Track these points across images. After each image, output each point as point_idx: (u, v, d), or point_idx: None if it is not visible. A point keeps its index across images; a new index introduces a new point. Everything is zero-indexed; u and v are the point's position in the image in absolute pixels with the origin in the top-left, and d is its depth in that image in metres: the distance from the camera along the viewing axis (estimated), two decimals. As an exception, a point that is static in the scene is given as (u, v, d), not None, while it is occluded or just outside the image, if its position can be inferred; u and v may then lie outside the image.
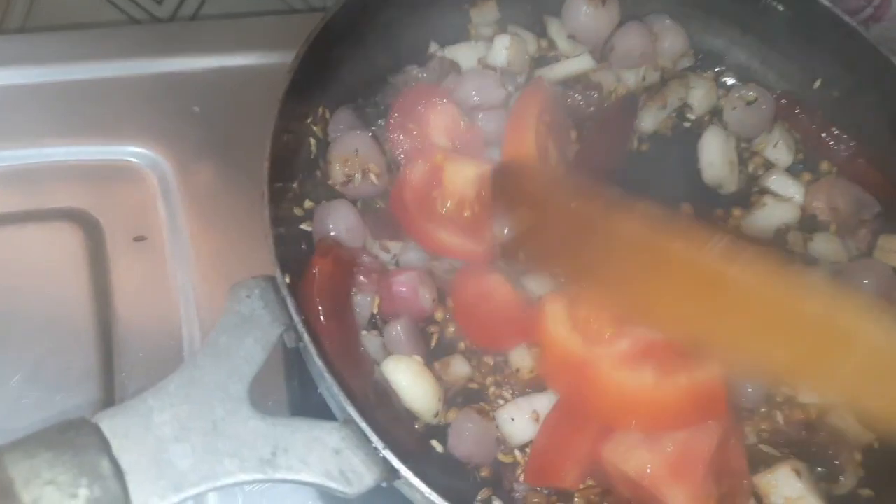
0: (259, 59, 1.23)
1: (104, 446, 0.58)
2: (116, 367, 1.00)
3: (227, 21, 1.29)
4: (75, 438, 0.57)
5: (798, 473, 0.85)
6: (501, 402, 0.91)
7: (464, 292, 0.92)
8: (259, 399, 0.71)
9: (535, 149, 0.98)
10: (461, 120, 1.00)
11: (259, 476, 0.63)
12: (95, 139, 1.13)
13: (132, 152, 1.14)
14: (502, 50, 1.06)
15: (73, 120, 1.14)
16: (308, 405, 0.83)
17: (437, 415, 0.89)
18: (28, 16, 1.26)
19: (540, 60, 1.11)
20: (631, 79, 1.11)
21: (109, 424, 0.61)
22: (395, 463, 0.68)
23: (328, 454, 0.66)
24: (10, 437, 0.73)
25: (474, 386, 0.92)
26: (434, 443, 0.89)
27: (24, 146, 1.11)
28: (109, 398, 0.98)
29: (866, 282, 0.99)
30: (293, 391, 0.91)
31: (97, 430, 0.60)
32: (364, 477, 0.66)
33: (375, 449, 0.68)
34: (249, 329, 0.69)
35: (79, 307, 1.03)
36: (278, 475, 0.64)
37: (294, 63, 0.88)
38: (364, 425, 0.68)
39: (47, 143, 1.12)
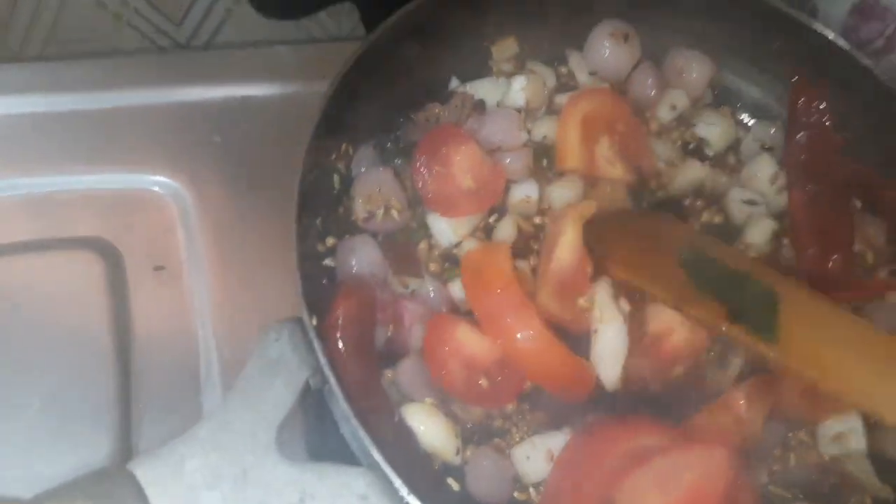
0: (279, 89, 1.25)
1: (141, 497, 0.60)
2: (134, 396, 1.02)
3: (248, 50, 1.30)
4: (113, 489, 0.59)
5: (810, 518, 0.86)
6: (517, 438, 0.93)
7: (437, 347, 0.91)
8: (282, 442, 0.73)
9: (581, 160, 1.03)
10: (485, 161, 1.02)
11: (288, 524, 0.65)
12: (116, 167, 1.15)
13: (153, 181, 1.15)
14: (519, 91, 1.08)
15: (93, 148, 1.15)
16: (325, 448, 0.84)
17: (457, 452, 0.90)
18: (46, 43, 1.27)
19: (561, 88, 1.13)
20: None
21: (143, 472, 0.62)
22: (420, 508, 0.70)
23: (354, 501, 0.67)
24: (27, 467, 0.74)
25: (496, 424, 0.94)
26: (450, 481, 0.90)
27: (45, 174, 1.13)
28: (125, 429, 0.99)
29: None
30: (311, 433, 0.92)
31: (133, 480, 0.61)
32: (390, 523, 0.67)
33: (399, 495, 0.70)
34: (278, 372, 0.71)
35: (98, 336, 1.04)
36: (306, 522, 0.65)
37: (326, 98, 0.90)
38: (389, 471, 0.69)
39: (68, 172, 1.14)
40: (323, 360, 0.74)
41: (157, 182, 1.15)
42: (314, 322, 0.77)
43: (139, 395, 1.02)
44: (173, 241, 1.12)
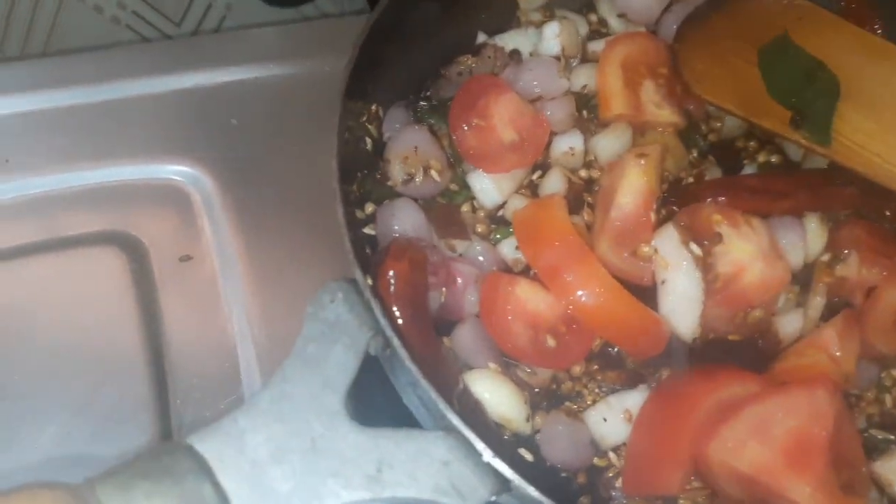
0: (293, 68, 1.19)
1: (204, 471, 0.53)
2: (171, 393, 0.96)
3: (258, 30, 1.25)
4: (172, 465, 0.52)
5: (920, 458, 0.79)
6: (590, 401, 0.86)
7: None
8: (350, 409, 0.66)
9: (627, 105, 0.97)
10: (526, 109, 0.95)
11: (366, 495, 0.57)
12: (132, 159, 1.10)
13: (171, 170, 1.10)
14: (553, 38, 1.01)
15: (107, 141, 1.10)
16: (386, 418, 0.77)
17: (528, 419, 0.83)
18: (49, 41, 1.22)
19: (593, 35, 1.07)
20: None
21: (202, 448, 0.55)
22: (507, 472, 0.62)
23: (436, 467, 0.60)
24: (63, 469, 0.68)
25: (565, 388, 0.87)
26: (522, 451, 0.83)
27: (62, 171, 1.07)
28: (166, 426, 0.94)
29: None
30: (369, 403, 0.85)
31: (194, 454, 0.54)
32: (478, 489, 0.60)
33: (484, 459, 0.62)
34: (338, 336, 0.64)
35: (127, 333, 0.99)
36: (386, 493, 0.58)
37: (350, 62, 0.84)
38: (469, 433, 0.62)
39: (84, 167, 1.08)
40: (383, 321, 0.67)
41: (176, 171, 1.09)
42: (369, 282, 0.70)
43: (176, 391, 0.95)
44: (198, 230, 1.06)
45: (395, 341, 0.67)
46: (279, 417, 0.58)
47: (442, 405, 0.64)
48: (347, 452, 0.58)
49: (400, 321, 0.75)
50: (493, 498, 0.64)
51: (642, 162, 0.89)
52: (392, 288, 0.76)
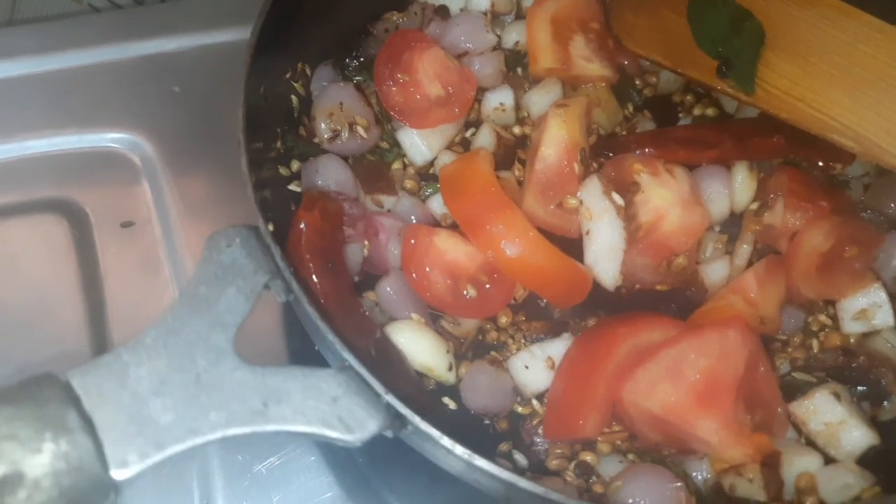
0: (235, 35, 1.18)
1: (71, 399, 0.53)
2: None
3: (193, 1, 1.25)
4: (37, 392, 0.52)
5: (837, 396, 0.79)
6: (515, 350, 0.86)
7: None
8: (254, 360, 0.67)
9: (555, 59, 0.97)
10: (452, 64, 0.95)
11: (249, 429, 0.58)
12: (76, 128, 1.10)
13: (114, 138, 1.10)
14: (483, -7, 1.01)
15: (51, 111, 1.10)
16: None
17: (451, 368, 0.84)
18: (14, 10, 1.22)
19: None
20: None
21: (81, 381, 0.56)
22: (400, 407, 0.63)
23: (325, 402, 0.60)
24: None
25: (490, 338, 0.88)
26: (446, 399, 0.84)
27: (4, 140, 1.08)
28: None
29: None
30: (293, 354, 0.86)
31: (64, 385, 0.55)
32: (366, 423, 0.61)
33: (377, 395, 0.63)
34: (231, 279, 0.64)
35: (69, 299, 0.99)
36: (270, 427, 0.58)
37: (260, 14, 0.84)
38: (363, 370, 0.63)
39: (27, 136, 1.09)
40: (282, 265, 0.68)
41: (119, 138, 1.09)
42: (270, 227, 0.70)
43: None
44: (139, 196, 1.06)
45: (294, 285, 0.67)
46: (165, 353, 0.59)
47: (338, 344, 0.64)
48: (233, 388, 0.59)
49: (313, 273, 0.76)
50: (391, 433, 0.65)
51: (561, 112, 0.89)
52: (302, 237, 0.77)
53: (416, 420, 0.63)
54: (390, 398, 0.63)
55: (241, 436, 0.58)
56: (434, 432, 0.63)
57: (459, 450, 0.62)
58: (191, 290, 0.63)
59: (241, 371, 0.60)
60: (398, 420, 0.64)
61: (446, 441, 0.63)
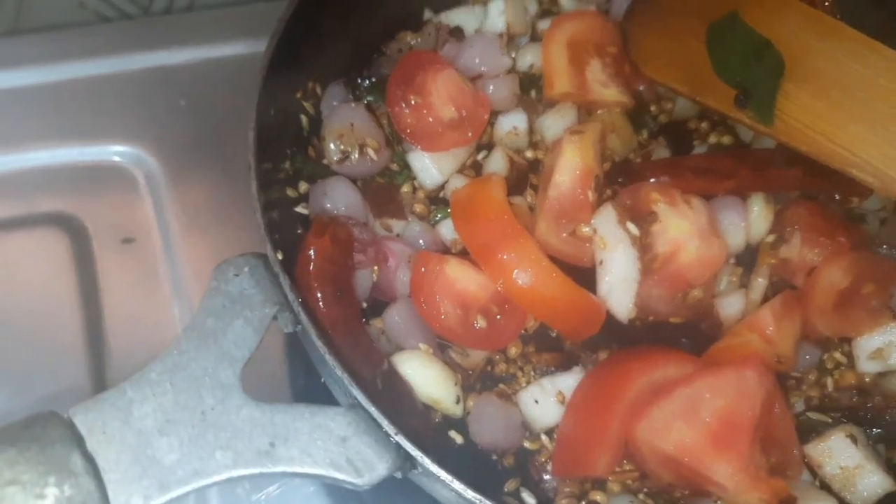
0: (245, 49, 1.17)
1: (75, 440, 0.51)
2: (109, 375, 0.94)
3: (209, 12, 1.23)
4: (41, 433, 0.50)
5: (854, 439, 0.77)
6: (524, 383, 0.84)
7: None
8: (257, 391, 0.65)
9: (571, 84, 0.95)
10: (466, 86, 0.93)
11: (257, 470, 0.56)
12: (79, 140, 1.08)
13: (117, 151, 1.08)
14: (498, 15, 1.00)
15: (54, 122, 1.08)
16: (312, 398, 0.76)
17: (458, 401, 0.82)
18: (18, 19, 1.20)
19: (544, 14, 1.05)
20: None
21: (85, 419, 0.54)
22: (410, 448, 0.61)
23: (334, 443, 0.58)
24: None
25: (499, 370, 0.86)
26: (453, 433, 0.82)
27: (6, 152, 1.06)
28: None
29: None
30: (297, 385, 0.84)
31: (68, 424, 0.53)
32: (376, 466, 0.59)
33: (387, 435, 0.61)
34: (239, 310, 0.62)
35: (67, 316, 0.97)
36: (278, 468, 0.56)
37: (275, 34, 0.82)
38: (373, 409, 0.61)
39: (29, 148, 1.07)
40: (291, 295, 0.66)
41: (122, 152, 1.08)
42: (279, 256, 0.68)
43: (113, 376, 0.94)
44: (141, 211, 1.04)
45: (303, 317, 0.65)
46: (170, 389, 0.57)
47: (347, 380, 0.62)
48: (240, 426, 0.57)
49: (319, 298, 0.74)
50: (400, 475, 0.63)
51: (576, 139, 0.87)
52: (312, 264, 0.75)
53: (427, 462, 0.61)
54: (400, 438, 0.61)
55: (247, 476, 0.56)
56: (445, 475, 0.61)
57: (470, 494, 0.60)
58: (197, 323, 0.61)
59: (248, 408, 0.58)
60: (408, 461, 0.62)
61: (457, 485, 0.60)
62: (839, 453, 0.77)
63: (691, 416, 0.74)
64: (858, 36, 0.92)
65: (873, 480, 0.75)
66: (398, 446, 0.61)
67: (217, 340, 0.60)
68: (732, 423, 0.73)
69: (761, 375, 0.76)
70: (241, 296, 0.63)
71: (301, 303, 0.66)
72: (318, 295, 0.74)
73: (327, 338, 0.67)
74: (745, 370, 0.75)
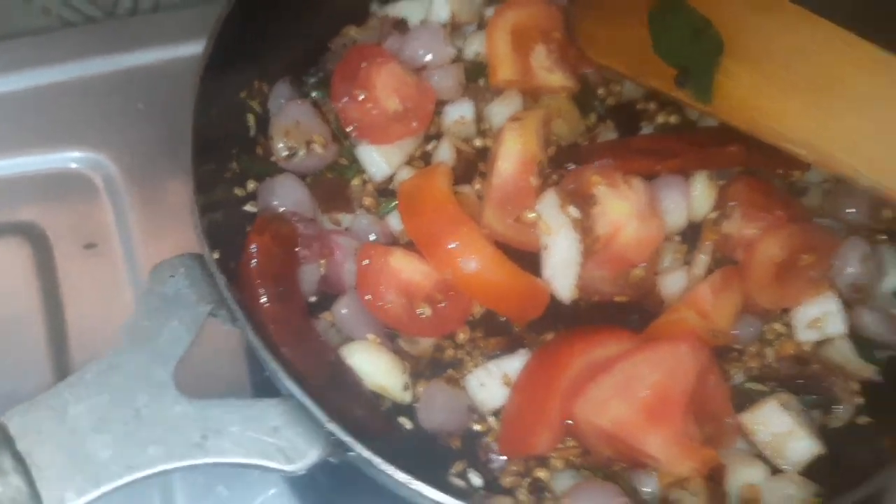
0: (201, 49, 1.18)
1: (6, 442, 0.54)
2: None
3: (164, 14, 1.24)
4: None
5: (785, 406, 0.79)
6: (472, 367, 0.86)
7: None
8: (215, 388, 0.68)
9: (515, 71, 0.97)
10: (409, 78, 0.95)
11: (187, 463, 0.59)
12: (37, 148, 1.09)
13: (76, 157, 1.09)
14: (443, 5, 1.01)
15: (11, 131, 1.09)
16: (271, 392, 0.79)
17: (406, 388, 0.84)
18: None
19: (492, 2, 1.05)
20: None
21: (21, 422, 0.57)
22: (342, 435, 0.63)
23: (265, 433, 0.61)
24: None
25: (448, 356, 0.88)
26: (402, 419, 0.84)
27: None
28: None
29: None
30: (255, 380, 0.87)
31: (1, 428, 0.55)
32: (307, 453, 0.61)
33: (318, 423, 0.63)
34: (174, 310, 0.65)
35: (30, 321, 0.98)
36: (210, 460, 0.59)
37: (212, 34, 0.84)
38: (305, 398, 0.63)
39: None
40: (226, 292, 0.68)
41: (80, 158, 1.09)
42: (215, 255, 0.71)
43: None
44: (102, 216, 1.06)
45: (239, 313, 0.68)
46: (105, 389, 0.60)
47: (280, 372, 0.64)
48: (172, 422, 0.59)
49: (262, 294, 0.76)
50: (334, 460, 0.65)
51: (516, 125, 0.89)
52: (254, 262, 0.77)
53: (358, 446, 0.63)
54: (332, 426, 0.63)
55: (180, 469, 0.58)
56: (375, 458, 0.63)
57: (401, 476, 0.63)
58: (132, 324, 0.63)
59: (181, 405, 0.61)
60: (341, 447, 0.64)
61: (386, 466, 0.63)
62: (771, 420, 0.79)
63: (627, 392, 0.77)
64: (796, 9, 0.94)
65: (802, 445, 0.78)
66: (330, 433, 0.63)
67: (151, 340, 0.63)
68: (665, 397, 0.76)
69: (695, 350, 0.78)
70: (177, 296, 0.66)
71: (238, 300, 0.69)
72: (261, 291, 0.76)
73: (265, 332, 0.70)
74: (679, 345, 0.78)
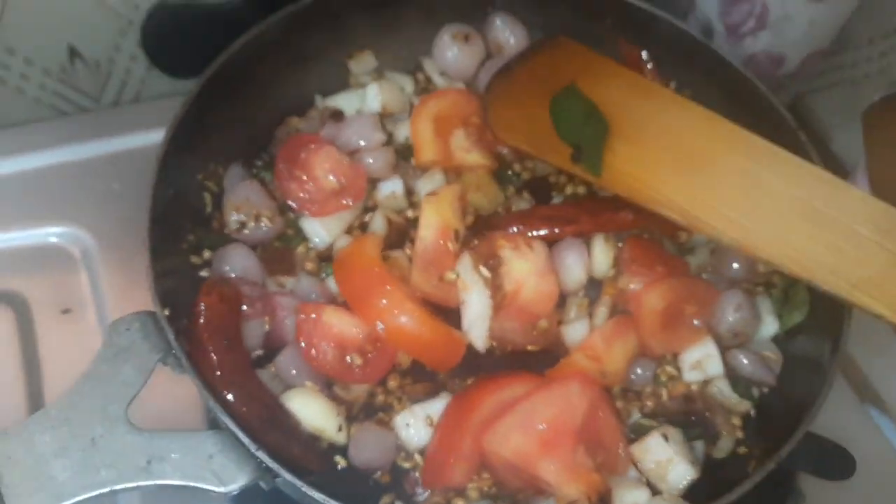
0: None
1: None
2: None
3: (144, 105, 1.39)
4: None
5: (666, 438, 0.91)
6: (399, 411, 0.98)
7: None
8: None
9: (435, 152, 1.11)
10: (344, 160, 1.09)
11: (134, 483, 0.70)
12: (21, 225, 1.21)
13: (56, 232, 1.21)
14: (374, 97, 1.16)
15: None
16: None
17: (340, 429, 0.95)
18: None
19: (421, 92, 1.21)
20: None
21: (-5, 450, 0.68)
22: (269, 462, 0.75)
23: (202, 459, 0.72)
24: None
25: (379, 401, 0.99)
26: (338, 458, 0.95)
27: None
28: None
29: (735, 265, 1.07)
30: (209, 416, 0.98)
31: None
32: (236, 476, 0.72)
33: (248, 451, 0.75)
34: (128, 357, 0.77)
35: (9, 381, 1.08)
36: (152, 481, 0.70)
37: (170, 127, 0.98)
38: (235, 428, 0.75)
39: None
40: (174, 343, 0.80)
41: (60, 232, 1.21)
42: (166, 312, 0.83)
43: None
44: (78, 285, 1.18)
45: (184, 361, 0.80)
46: (66, 422, 0.71)
47: (215, 405, 0.76)
48: (122, 449, 0.71)
49: (210, 347, 0.89)
50: (264, 485, 0.77)
51: (433, 200, 1.03)
52: (202, 318, 0.89)
53: (283, 472, 0.75)
54: (260, 454, 0.75)
55: (128, 489, 0.70)
56: (298, 482, 0.75)
57: (318, 495, 0.74)
58: (92, 369, 0.75)
59: (131, 435, 0.72)
60: (269, 472, 0.75)
61: (308, 489, 0.74)
62: (654, 450, 0.90)
63: (526, 426, 0.88)
64: (670, 94, 1.10)
65: (679, 470, 0.89)
66: (257, 461, 0.75)
67: (108, 383, 0.74)
68: (558, 429, 0.88)
69: (584, 388, 0.90)
70: (131, 346, 0.78)
71: (184, 349, 0.81)
72: (208, 343, 0.89)
73: (209, 377, 0.82)
74: (569, 384, 0.90)
